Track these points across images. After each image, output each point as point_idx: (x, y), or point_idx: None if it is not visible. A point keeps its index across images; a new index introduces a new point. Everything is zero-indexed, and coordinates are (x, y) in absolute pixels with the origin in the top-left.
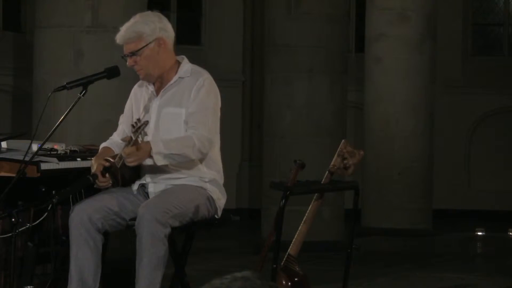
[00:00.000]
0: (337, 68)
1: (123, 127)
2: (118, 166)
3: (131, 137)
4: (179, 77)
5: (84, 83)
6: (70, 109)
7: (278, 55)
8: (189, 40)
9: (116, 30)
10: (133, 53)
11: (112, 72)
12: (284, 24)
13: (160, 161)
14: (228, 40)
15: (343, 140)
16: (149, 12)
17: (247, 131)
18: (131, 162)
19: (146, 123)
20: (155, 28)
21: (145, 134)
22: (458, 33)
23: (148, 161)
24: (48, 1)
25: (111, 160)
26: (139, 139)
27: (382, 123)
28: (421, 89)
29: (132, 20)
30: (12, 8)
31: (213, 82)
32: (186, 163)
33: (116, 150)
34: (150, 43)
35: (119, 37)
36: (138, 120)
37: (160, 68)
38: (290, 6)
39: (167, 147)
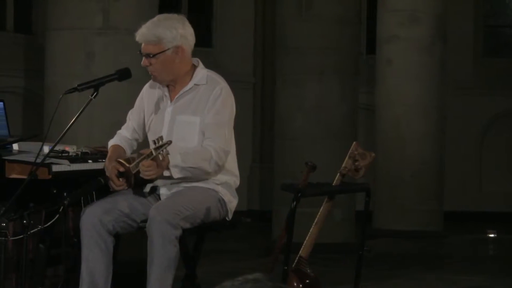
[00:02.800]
0: (348, 70)
1: (133, 124)
2: (134, 171)
3: (151, 152)
4: (195, 84)
5: (95, 85)
6: (81, 111)
7: (289, 57)
8: (200, 42)
9: (127, 31)
10: (148, 55)
11: (123, 74)
12: (295, 26)
13: (176, 174)
14: (239, 42)
15: (354, 142)
16: (174, 16)
17: (258, 133)
18: (149, 175)
19: (169, 142)
20: (176, 35)
21: (167, 153)
22: (469, 34)
23: (165, 173)
24: (59, 3)
25: (126, 164)
26: (160, 157)
27: (393, 125)
28: (432, 91)
29: (156, 21)
30: (23, 11)
31: (229, 90)
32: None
33: (126, 147)
34: (168, 49)
35: (139, 35)
36: (161, 138)
37: (173, 74)
38: (301, 8)
39: (185, 160)
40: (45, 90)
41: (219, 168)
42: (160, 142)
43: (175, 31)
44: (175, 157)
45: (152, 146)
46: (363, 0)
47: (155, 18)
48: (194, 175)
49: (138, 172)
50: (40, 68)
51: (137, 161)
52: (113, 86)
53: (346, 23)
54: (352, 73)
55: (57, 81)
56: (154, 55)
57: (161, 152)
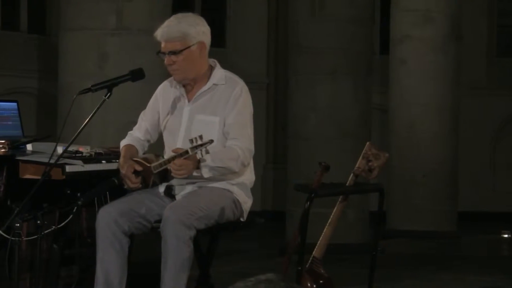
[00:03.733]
0: (362, 70)
1: (146, 125)
2: (155, 171)
3: (187, 151)
4: (213, 84)
5: (109, 85)
6: (95, 112)
7: (302, 57)
8: (213, 42)
9: (140, 32)
10: (173, 53)
11: (136, 75)
12: (308, 25)
13: (206, 174)
14: (253, 42)
15: (368, 142)
16: (191, 14)
17: (271, 133)
18: (181, 174)
19: (211, 142)
20: (199, 31)
21: (207, 152)
22: (483, 34)
23: (194, 172)
24: (73, 4)
25: (146, 164)
26: (198, 156)
27: (407, 125)
28: (445, 91)
29: (175, 20)
30: (37, 11)
31: (248, 90)
32: None
33: (138, 147)
34: (193, 45)
35: (161, 34)
36: (200, 137)
37: (196, 72)
38: (314, 8)
39: (214, 160)
40: (58, 91)
41: (244, 168)
42: (199, 141)
43: (198, 27)
44: (206, 156)
45: (188, 145)
46: (376, 0)
47: (173, 17)
48: (221, 174)
49: (163, 171)
50: (54, 69)
51: (163, 160)
52: (127, 87)
53: (359, 23)
54: (365, 73)
55: (71, 82)
56: (179, 51)
57: (201, 151)
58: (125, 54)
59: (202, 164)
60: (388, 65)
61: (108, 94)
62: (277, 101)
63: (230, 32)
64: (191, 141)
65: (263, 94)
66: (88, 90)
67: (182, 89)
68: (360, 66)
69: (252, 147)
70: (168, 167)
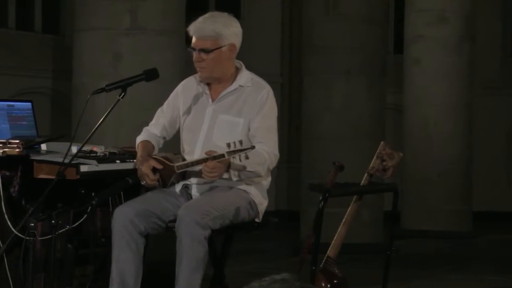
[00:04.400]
0: (376, 69)
1: (164, 122)
2: (178, 171)
3: (223, 154)
4: (240, 85)
5: (123, 85)
6: (109, 112)
7: (316, 56)
8: None
9: (155, 32)
10: (204, 50)
11: (150, 75)
12: (322, 25)
13: (235, 177)
14: (266, 42)
15: (382, 142)
16: (226, 14)
17: (285, 132)
18: (212, 177)
19: (253, 147)
20: (233, 32)
21: (247, 158)
22: (497, 34)
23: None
24: (87, 4)
25: (168, 163)
26: (236, 161)
27: (421, 125)
28: (460, 91)
29: (210, 18)
30: (51, 11)
31: (273, 94)
32: None
33: (154, 144)
34: (224, 46)
35: (195, 29)
36: (240, 142)
37: (222, 72)
38: (328, 7)
39: (243, 164)
40: (73, 91)
41: (269, 172)
42: (238, 146)
43: (232, 29)
44: (243, 162)
45: (214, 145)
46: (390, 0)
47: (208, 15)
48: (247, 178)
49: (180, 173)
50: (68, 69)
51: (190, 161)
52: (141, 87)
53: (373, 22)
54: (379, 73)
55: (85, 82)
56: (210, 51)
57: (239, 155)
58: (139, 54)
59: (233, 167)
60: (402, 65)
61: (122, 94)
62: (291, 101)
63: (244, 32)
64: (228, 145)
65: (277, 94)
66: (102, 90)
67: (206, 87)
68: (374, 66)
69: (277, 151)
70: (189, 170)
